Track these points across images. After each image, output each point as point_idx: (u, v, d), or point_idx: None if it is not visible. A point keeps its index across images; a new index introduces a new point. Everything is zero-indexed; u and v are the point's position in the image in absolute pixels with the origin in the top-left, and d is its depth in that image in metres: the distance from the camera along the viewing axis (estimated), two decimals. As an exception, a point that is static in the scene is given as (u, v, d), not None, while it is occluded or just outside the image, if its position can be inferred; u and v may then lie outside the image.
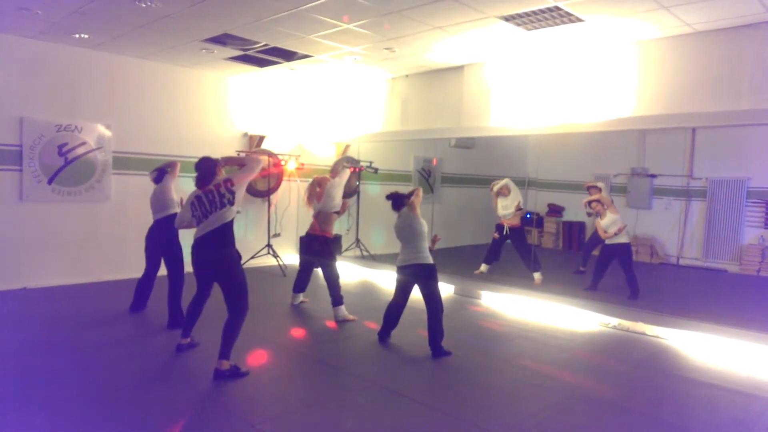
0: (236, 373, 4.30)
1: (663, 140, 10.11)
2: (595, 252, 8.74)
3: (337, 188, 6.44)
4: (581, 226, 11.56)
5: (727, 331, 5.49)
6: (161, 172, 5.94)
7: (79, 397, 3.89)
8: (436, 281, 5.13)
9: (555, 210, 11.82)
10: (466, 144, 10.82)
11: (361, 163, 9.77)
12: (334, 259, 6.35)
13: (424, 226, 5.22)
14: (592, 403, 4.14)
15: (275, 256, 8.95)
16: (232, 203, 4.37)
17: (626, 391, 4.37)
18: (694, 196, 10.09)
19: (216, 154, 8.62)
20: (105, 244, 7.81)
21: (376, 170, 9.67)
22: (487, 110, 7.81)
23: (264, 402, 3.94)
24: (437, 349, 5.01)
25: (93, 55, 7.60)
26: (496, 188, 8.36)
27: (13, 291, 6.94)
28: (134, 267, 7.91)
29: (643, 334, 5.92)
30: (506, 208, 8.24)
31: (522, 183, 10.50)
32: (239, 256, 4.46)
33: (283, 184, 9.75)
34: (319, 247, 6.34)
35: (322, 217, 6.39)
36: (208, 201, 4.38)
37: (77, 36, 6.88)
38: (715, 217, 9.89)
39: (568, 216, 11.77)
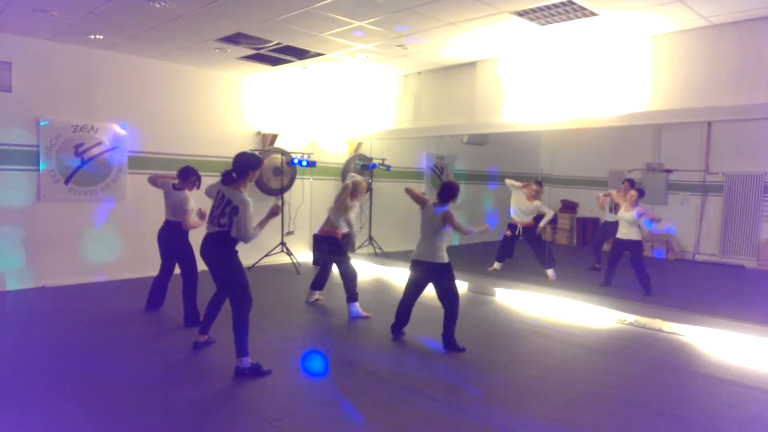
0: (258, 372, 4.30)
1: (678, 135, 10.01)
2: (606, 247, 8.68)
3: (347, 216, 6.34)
4: (596, 222, 11.48)
5: (745, 328, 5.42)
6: (186, 176, 5.85)
7: (96, 395, 3.94)
8: (451, 279, 5.11)
9: (569, 206, 11.75)
10: (479, 141, 10.77)
11: (374, 161, 9.78)
12: (346, 257, 6.35)
13: (449, 235, 5.16)
14: (609, 400, 4.11)
15: (289, 254, 8.98)
16: (229, 231, 4.31)
17: (644, 388, 4.33)
18: (711, 191, 9.98)
19: (230, 152, 8.70)
20: (121, 243, 7.88)
21: (388, 168, 9.68)
22: (500, 106, 7.77)
23: (280, 399, 3.96)
24: (450, 345, 5.03)
25: (108, 56, 7.67)
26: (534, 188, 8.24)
27: (31, 289, 7.03)
28: (150, 265, 7.97)
29: (660, 330, 5.87)
30: (527, 209, 8.20)
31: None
32: (234, 252, 4.45)
33: (297, 182, 9.78)
34: (327, 246, 6.34)
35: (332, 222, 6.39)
36: (216, 206, 4.42)
37: (92, 37, 6.94)
38: (732, 212, 9.78)
39: (582, 212, 11.70)
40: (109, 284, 7.53)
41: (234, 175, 4.40)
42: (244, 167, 4.40)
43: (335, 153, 10.32)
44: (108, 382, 4.17)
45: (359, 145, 10.25)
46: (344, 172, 10.08)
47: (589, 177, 11.25)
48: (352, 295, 6.18)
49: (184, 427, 3.52)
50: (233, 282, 4.40)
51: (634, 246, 7.16)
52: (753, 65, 5.74)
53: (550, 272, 7.88)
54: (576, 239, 11.79)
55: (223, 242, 4.36)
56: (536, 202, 8.20)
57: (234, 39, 6.90)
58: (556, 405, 3.99)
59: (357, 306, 6.17)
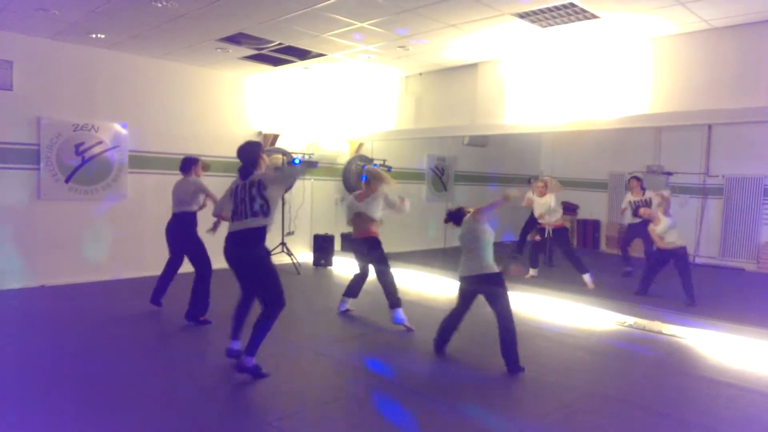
0: (257, 373, 4.20)
1: (679, 137, 10.03)
2: (634, 253, 8.57)
3: (382, 206, 5.95)
4: (596, 224, 11.50)
5: (744, 330, 5.43)
6: (189, 163, 5.86)
7: (96, 395, 3.94)
8: (503, 291, 4.72)
9: (569, 208, 11.75)
10: (480, 142, 10.79)
11: (375, 161, 9.79)
12: (387, 264, 5.89)
13: (490, 234, 4.80)
14: (609, 402, 4.12)
15: (289, 254, 8.98)
16: (266, 214, 4.14)
17: (644, 390, 4.34)
18: (711, 193, 10.00)
19: (231, 153, 8.69)
20: (122, 242, 7.88)
21: (389, 169, 9.68)
22: (501, 108, 7.78)
23: (280, 399, 3.96)
24: (513, 366, 4.62)
25: (109, 55, 7.67)
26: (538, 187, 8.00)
27: (31, 288, 7.03)
28: (151, 265, 7.97)
29: (660, 333, 5.88)
30: (541, 206, 7.91)
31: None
32: (267, 252, 4.31)
33: (297, 182, 9.77)
34: (367, 249, 5.91)
35: (362, 218, 5.94)
36: (240, 200, 4.20)
37: (94, 36, 6.95)
38: (731, 215, 9.80)
39: (583, 214, 11.72)
40: (109, 283, 7.53)
41: (248, 167, 4.29)
42: (254, 155, 4.29)
43: (336, 153, 10.32)
44: (107, 381, 4.17)
45: (360, 145, 10.25)
46: (345, 173, 10.09)
47: (590, 179, 11.28)
48: (395, 300, 5.78)
49: (183, 427, 3.52)
50: (266, 284, 4.23)
51: (679, 252, 6.83)
52: (753, 68, 5.75)
53: (587, 278, 7.48)
54: (576, 241, 11.80)
55: (252, 240, 4.17)
56: (546, 197, 7.89)
57: (236, 39, 6.91)
58: (557, 406, 3.99)
59: (402, 312, 5.77)
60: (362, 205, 5.92)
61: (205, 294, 5.62)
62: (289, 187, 4.28)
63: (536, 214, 8.12)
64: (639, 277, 7.27)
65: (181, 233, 5.78)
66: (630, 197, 8.15)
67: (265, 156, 4.39)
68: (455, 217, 5.03)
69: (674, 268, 6.93)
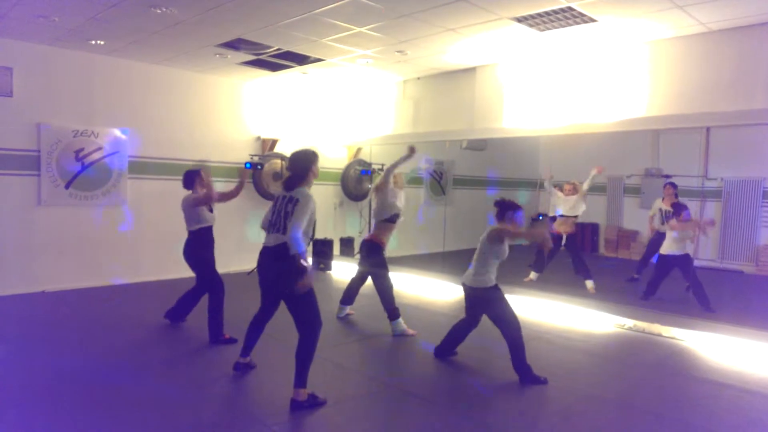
0: (315, 403, 3.87)
1: (677, 140, 10.06)
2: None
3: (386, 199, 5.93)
4: (594, 227, 11.52)
5: (744, 332, 5.43)
6: (190, 178, 5.48)
7: (95, 396, 3.94)
8: (500, 303, 4.60)
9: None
10: (478, 146, 10.82)
11: (373, 166, 9.82)
12: (385, 269, 5.86)
13: (505, 252, 4.60)
14: (610, 404, 4.12)
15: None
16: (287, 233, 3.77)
17: (645, 393, 4.34)
18: (709, 196, 10.02)
19: (230, 158, 8.72)
20: (121, 248, 7.89)
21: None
22: (500, 111, 7.80)
23: (278, 402, 3.95)
24: (526, 376, 4.49)
25: (109, 61, 7.69)
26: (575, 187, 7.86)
27: (32, 294, 7.03)
28: (150, 271, 8.02)
29: (659, 335, 5.88)
30: (572, 209, 7.79)
31: (534, 184, 10.46)
32: (305, 268, 3.87)
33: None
34: (366, 251, 5.93)
35: (377, 226, 5.94)
36: (277, 212, 3.91)
37: (93, 42, 6.97)
38: (730, 217, 9.82)
39: (581, 217, 11.71)
40: (109, 289, 7.53)
41: (293, 179, 3.95)
42: (302, 167, 3.93)
43: (335, 158, 10.33)
44: (106, 384, 4.17)
45: (359, 150, 10.28)
46: (344, 178, 10.11)
47: (588, 182, 11.27)
48: (392, 312, 5.72)
49: (181, 430, 3.52)
50: (303, 303, 3.88)
51: (682, 261, 6.76)
52: (750, 71, 5.77)
53: (589, 284, 7.53)
54: (575, 244, 11.79)
55: (288, 253, 3.78)
56: (573, 198, 7.82)
57: (234, 45, 6.93)
58: (557, 409, 3.99)
59: (401, 323, 5.71)
60: (375, 199, 5.94)
61: (220, 313, 5.29)
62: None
63: (554, 211, 7.92)
64: (644, 282, 7.25)
65: (192, 249, 5.39)
66: (660, 204, 7.93)
67: (316, 169, 3.98)
68: (503, 208, 4.61)
69: (682, 276, 6.91)
